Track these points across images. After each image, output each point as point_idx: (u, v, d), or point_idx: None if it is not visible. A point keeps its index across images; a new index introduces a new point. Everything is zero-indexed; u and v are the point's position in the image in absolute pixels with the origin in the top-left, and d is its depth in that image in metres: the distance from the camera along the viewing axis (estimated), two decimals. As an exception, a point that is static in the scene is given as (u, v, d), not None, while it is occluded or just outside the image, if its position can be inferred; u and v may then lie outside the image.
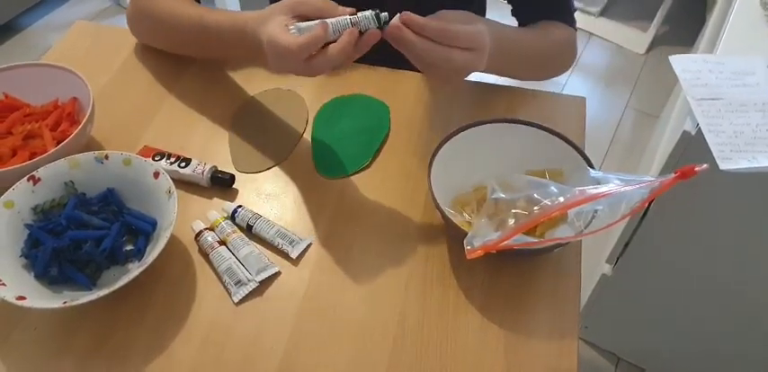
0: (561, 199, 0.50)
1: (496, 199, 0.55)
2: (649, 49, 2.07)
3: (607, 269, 1.22)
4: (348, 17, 0.57)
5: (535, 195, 0.53)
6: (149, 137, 0.76)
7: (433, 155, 0.65)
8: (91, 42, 0.89)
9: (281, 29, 0.57)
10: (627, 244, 1.15)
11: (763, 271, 1.03)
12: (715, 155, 0.82)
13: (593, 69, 2.04)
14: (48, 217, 0.65)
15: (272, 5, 0.62)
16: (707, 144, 0.85)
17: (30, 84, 0.74)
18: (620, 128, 1.91)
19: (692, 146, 0.92)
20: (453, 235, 0.67)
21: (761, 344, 1.18)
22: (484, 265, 0.65)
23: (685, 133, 0.92)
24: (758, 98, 0.87)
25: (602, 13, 2.15)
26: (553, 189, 0.52)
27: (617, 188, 0.51)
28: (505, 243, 0.49)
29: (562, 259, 0.66)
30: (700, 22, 2.02)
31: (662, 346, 1.32)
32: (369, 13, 0.57)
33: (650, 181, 0.53)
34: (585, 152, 0.67)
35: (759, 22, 0.97)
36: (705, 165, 0.51)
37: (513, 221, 0.50)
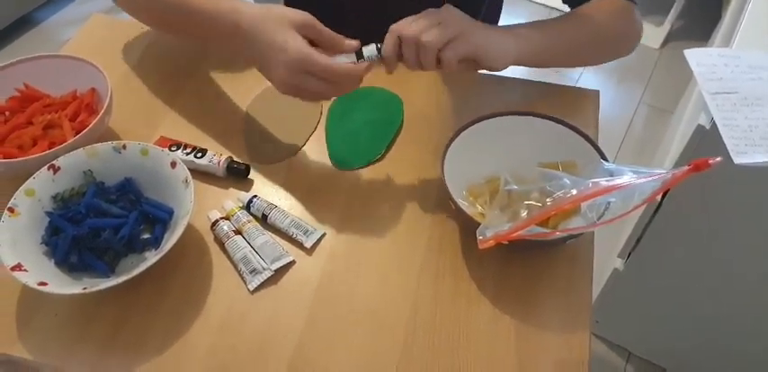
0: (574, 191, 0.51)
1: (509, 191, 0.55)
2: (664, 44, 2.05)
3: (619, 263, 1.22)
4: (375, 51, 0.63)
5: (548, 187, 0.54)
6: (165, 127, 0.77)
7: (447, 147, 0.65)
8: (107, 35, 0.90)
9: (308, 47, 0.60)
10: (639, 239, 1.15)
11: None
12: (729, 149, 0.82)
13: (606, 64, 2.02)
14: (67, 205, 0.66)
15: (276, 11, 0.62)
16: (721, 138, 0.85)
17: (49, 74, 0.75)
18: (634, 123, 1.90)
19: (707, 141, 0.92)
20: (466, 226, 0.67)
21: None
22: (496, 256, 0.65)
23: (699, 127, 0.91)
24: (773, 92, 0.87)
25: (617, 8, 2.13)
26: (566, 181, 0.52)
27: (630, 180, 0.51)
28: (517, 233, 0.50)
29: (575, 251, 0.66)
30: (715, 17, 2.00)
31: (674, 341, 1.32)
32: (373, 47, 0.62)
33: (663, 173, 0.53)
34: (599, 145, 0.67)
35: (776, 16, 0.96)
36: (719, 158, 0.51)
37: (525, 212, 0.51)
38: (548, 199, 0.51)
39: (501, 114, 0.68)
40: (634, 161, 1.75)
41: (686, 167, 0.53)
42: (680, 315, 1.23)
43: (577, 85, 2.03)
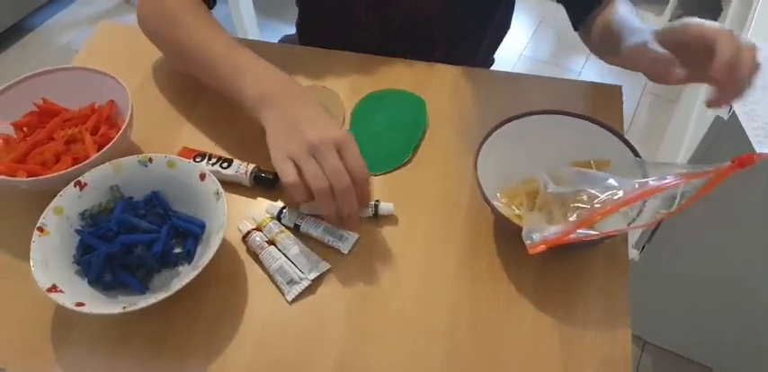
0: (621, 192, 0.50)
1: (552, 193, 0.55)
2: (663, 33, 2.05)
3: (634, 254, 1.22)
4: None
5: (591, 189, 0.53)
6: (186, 137, 0.76)
7: (479, 148, 0.64)
8: (118, 43, 0.88)
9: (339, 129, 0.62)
10: (654, 231, 1.16)
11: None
12: (751, 139, 0.82)
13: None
14: (95, 221, 0.65)
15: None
16: (740, 129, 0.84)
17: (65, 88, 0.74)
18: (638, 113, 1.90)
19: (725, 132, 0.92)
20: (502, 229, 0.67)
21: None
22: (532, 258, 0.65)
23: (718, 118, 0.91)
24: (793, 81, 0.86)
25: (615, -2, 2.13)
26: (612, 182, 0.51)
27: (676, 180, 0.50)
28: (568, 237, 0.49)
29: (609, 249, 0.66)
30: (714, 7, 2.00)
31: (690, 330, 1.33)
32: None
33: (706, 170, 0.52)
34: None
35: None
36: (766, 152, 0.51)
37: (575, 215, 0.50)
38: (595, 202, 0.50)
39: (531, 113, 0.67)
40: (640, 150, 1.75)
41: (730, 163, 0.52)
42: (696, 305, 1.24)
43: (580, 77, 2.02)
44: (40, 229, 0.61)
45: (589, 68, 2.03)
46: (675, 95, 1.78)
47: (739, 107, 0.84)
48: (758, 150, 0.79)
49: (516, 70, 2.03)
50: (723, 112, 0.90)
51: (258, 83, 0.65)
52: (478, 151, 0.64)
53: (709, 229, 1.06)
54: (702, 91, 1.21)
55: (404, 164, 0.73)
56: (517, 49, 2.15)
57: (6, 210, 0.70)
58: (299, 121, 0.62)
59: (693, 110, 1.23)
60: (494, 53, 1.05)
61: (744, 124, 0.82)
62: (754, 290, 1.13)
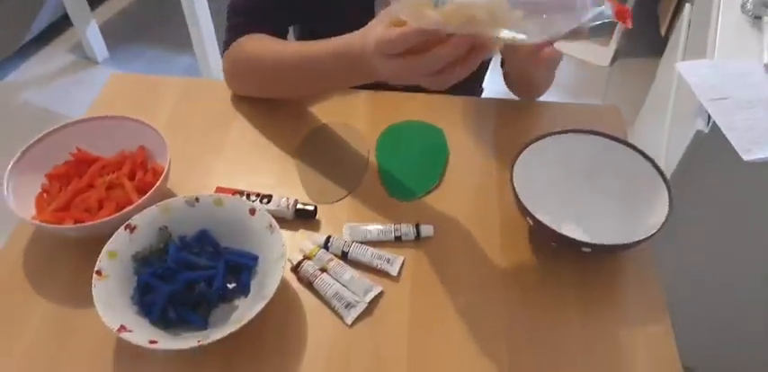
0: None
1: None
2: (612, 62, 2.20)
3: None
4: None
5: None
6: (218, 177, 0.78)
7: (512, 166, 0.69)
8: (132, 92, 0.90)
9: (386, 26, 0.56)
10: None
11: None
12: (737, 148, 0.90)
13: (562, 84, 2.15)
14: (148, 262, 0.66)
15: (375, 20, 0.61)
16: (719, 141, 0.92)
17: (91, 137, 0.75)
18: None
19: (706, 144, 1.00)
20: (539, 237, 0.71)
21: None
22: (571, 266, 0.70)
23: (698, 132, 1.00)
24: (761, 95, 0.96)
25: (562, 32, 2.28)
26: None
27: None
28: None
29: (638, 256, 0.71)
30: (654, 34, 2.17)
31: (691, 337, 1.38)
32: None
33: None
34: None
35: (744, 26, 1.07)
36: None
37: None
38: None
39: (558, 133, 0.73)
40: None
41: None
42: (696, 315, 1.30)
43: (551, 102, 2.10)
44: (99, 273, 0.61)
45: (544, 97, 2.15)
46: (630, 118, 1.89)
47: (718, 119, 0.93)
48: (745, 158, 0.87)
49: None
50: (703, 126, 0.99)
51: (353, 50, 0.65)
52: (512, 168, 0.69)
53: (710, 237, 1.13)
54: (670, 109, 1.31)
55: (433, 189, 0.77)
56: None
57: (56, 257, 0.70)
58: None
59: (663, 129, 1.32)
60: (482, 82, 1.12)
61: (728, 135, 0.90)
62: (732, 289, 1.20)
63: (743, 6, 1.10)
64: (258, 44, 0.81)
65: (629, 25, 0.59)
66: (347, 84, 0.80)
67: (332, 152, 0.81)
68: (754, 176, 0.99)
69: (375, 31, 0.58)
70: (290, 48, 0.76)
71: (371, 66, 0.60)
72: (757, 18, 1.07)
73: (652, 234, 0.64)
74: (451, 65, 0.55)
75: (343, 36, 0.67)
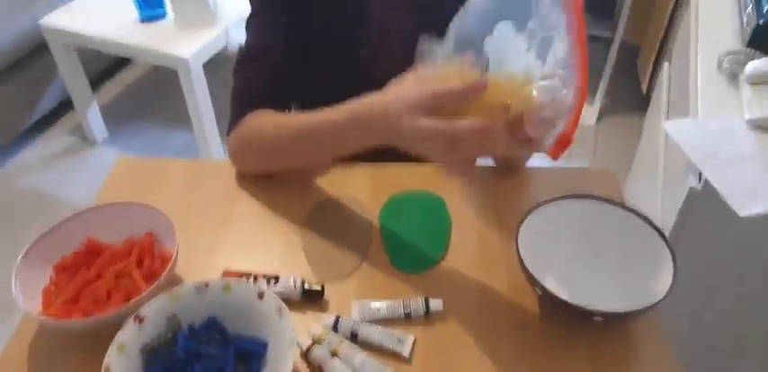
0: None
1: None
2: (598, 120, 2.26)
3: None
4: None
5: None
6: (224, 259, 0.79)
7: (517, 235, 0.70)
8: (138, 176, 0.92)
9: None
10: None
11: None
12: (731, 204, 0.91)
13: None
14: (156, 353, 0.65)
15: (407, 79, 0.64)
16: (712, 197, 0.94)
17: (104, 224, 0.76)
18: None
19: (700, 200, 1.02)
20: (548, 305, 0.71)
21: None
22: (582, 335, 0.69)
23: (692, 189, 1.02)
24: (746, 150, 0.99)
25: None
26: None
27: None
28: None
29: (649, 324, 0.71)
30: (636, 91, 2.25)
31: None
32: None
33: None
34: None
35: (722, 84, 1.11)
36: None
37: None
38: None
39: (558, 199, 0.75)
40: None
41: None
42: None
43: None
44: (107, 369, 0.60)
45: (536, 157, 2.19)
46: (620, 175, 1.92)
47: (710, 176, 0.95)
48: (741, 214, 0.88)
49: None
50: (695, 183, 1.01)
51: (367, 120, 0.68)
52: (517, 237, 0.70)
53: (706, 284, 1.13)
54: (660, 166, 1.34)
55: (439, 261, 0.77)
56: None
57: (64, 351, 0.69)
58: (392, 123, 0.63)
59: (656, 187, 1.35)
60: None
61: (721, 192, 0.92)
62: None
63: (719, 65, 1.15)
64: (266, 119, 0.84)
65: (556, 156, 0.62)
66: (358, 146, 0.77)
67: (336, 226, 0.82)
68: (749, 230, 1.00)
69: (411, 88, 0.61)
70: (300, 116, 0.78)
71: (392, 124, 0.62)
72: (734, 76, 1.12)
73: (660, 300, 0.64)
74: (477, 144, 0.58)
75: (359, 99, 0.69)
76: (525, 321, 0.71)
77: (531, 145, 0.59)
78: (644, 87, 2.17)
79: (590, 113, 2.25)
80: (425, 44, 0.60)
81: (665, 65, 1.62)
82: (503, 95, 0.57)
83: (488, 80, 0.57)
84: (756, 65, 1.08)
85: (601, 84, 2.26)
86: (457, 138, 0.58)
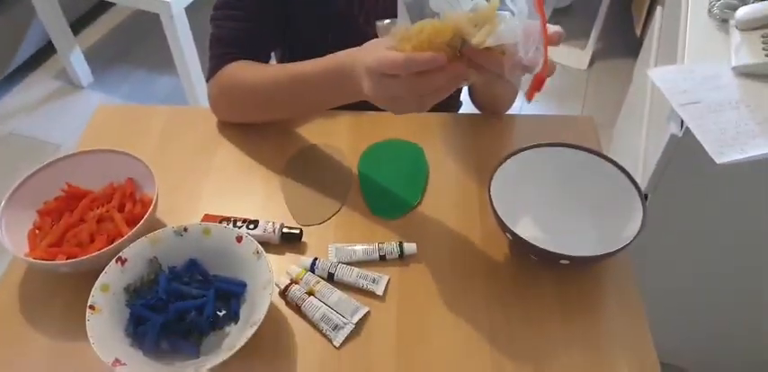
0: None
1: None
2: (590, 65, 2.24)
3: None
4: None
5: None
6: (205, 204, 0.80)
7: (490, 182, 0.72)
8: (119, 123, 0.92)
9: (386, 51, 0.58)
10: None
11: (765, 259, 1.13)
12: (709, 151, 0.92)
13: (543, 89, 2.18)
14: (139, 294, 0.67)
15: (374, 41, 0.63)
16: (693, 144, 0.95)
17: (80, 171, 0.77)
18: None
19: (681, 147, 1.03)
20: (518, 252, 0.73)
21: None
22: (551, 278, 0.72)
23: (672, 136, 1.02)
24: (730, 97, 0.99)
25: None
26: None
27: None
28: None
29: (617, 264, 0.73)
30: (629, 37, 2.21)
31: (664, 332, 1.41)
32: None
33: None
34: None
35: (712, 30, 1.09)
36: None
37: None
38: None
39: (533, 147, 0.75)
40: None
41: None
42: (679, 314, 1.32)
43: (521, 111, 2.15)
44: (92, 307, 0.63)
45: (527, 106, 2.18)
46: (610, 121, 1.91)
47: (691, 123, 0.95)
48: (718, 161, 0.89)
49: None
50: (676, 130, 1.01)
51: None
52: (489, 184, 0.71)
53: (685, 239, 1.16)
54: (646, 113, 1.34)
55: (416, 206, 0.79)
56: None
57: (51, 292, 0.72)
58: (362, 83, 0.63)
59: (640, 133, 1.35)
60: (460, 96, 1.15)
61: (700, 139, 0.93)
62: (713, 291, 1.23)
63: (710, 10, 1.13)
64: (246, 69, 0.83)
65: (529, 96, 0.62)
66: (334, 102, 0.80)
67: (316, 173, 0.83)
68: (728, 178, 1.01)
69: (376, 52, 0.59)
70: (280, 69, 0.79)
71: (359, 84, 0.63)
72: (724, 21, 1.10)
73: (625, 246, 0.66)
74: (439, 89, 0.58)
75: (332, 55, 0.70)
76: (496, 264, 0.73)
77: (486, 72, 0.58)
78: (638, 30, 2.13)
79: (582, 58, 2.22)
80: (380, 25, 0.59)
81: (658, 9, 1.58)
82: (457, 32, 0.56)
83: (443, 20, 0.56)
84: (747, 10, 1.06)
85: (594, 28, 2.22)
86: (426, 92, 0.58)
